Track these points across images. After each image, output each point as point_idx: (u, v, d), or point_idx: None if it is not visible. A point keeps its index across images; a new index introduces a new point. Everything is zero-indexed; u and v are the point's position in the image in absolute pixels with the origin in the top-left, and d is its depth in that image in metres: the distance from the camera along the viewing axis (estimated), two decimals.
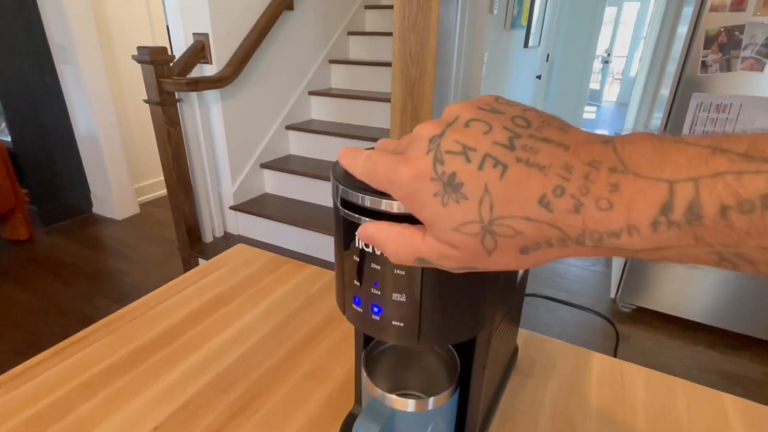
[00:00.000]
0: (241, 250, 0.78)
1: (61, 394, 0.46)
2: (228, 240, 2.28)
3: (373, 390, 0.33)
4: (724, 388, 1.62)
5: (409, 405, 0.32)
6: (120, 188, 2.77)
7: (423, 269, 0.25)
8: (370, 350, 0.36)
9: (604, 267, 2.41)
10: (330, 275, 0.70)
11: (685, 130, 1.66)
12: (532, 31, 3.36)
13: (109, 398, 0.46)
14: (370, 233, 0.23)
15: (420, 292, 0.25)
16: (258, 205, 2.31)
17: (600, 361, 0.53)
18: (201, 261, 2.13)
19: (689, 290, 1.87)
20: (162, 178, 3.11)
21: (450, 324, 0.27)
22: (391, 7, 2.87)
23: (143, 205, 3.00)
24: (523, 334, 0.57)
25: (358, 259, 0.26)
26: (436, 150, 0.20)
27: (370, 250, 0.25)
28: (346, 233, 0.26)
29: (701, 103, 1.60)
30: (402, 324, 0.27)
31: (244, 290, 0.65)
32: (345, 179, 0.26)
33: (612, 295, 2.12)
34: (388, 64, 2.56)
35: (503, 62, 2.91)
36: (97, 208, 2.90)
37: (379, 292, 0.26)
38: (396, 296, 0.26)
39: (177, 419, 0.43)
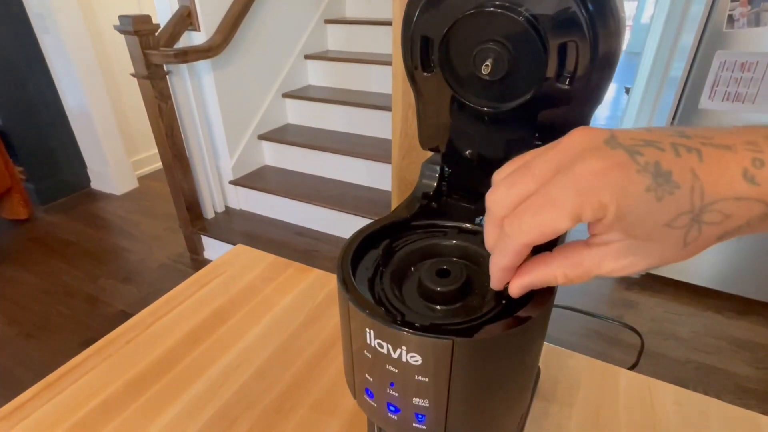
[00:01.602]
0: (240, 252, 0.74)
1: None
2: (230, 215, 2.24)
3: None
4: (733, 354, 1.63)
5: None
6: (116, 162, 2.71)
7: (451, 373, 0.20)
8: None
9: None
10: (335, 282, 0.66)
11: (706, 89, 1.56)
12: None
13: None
14: (526, 283, 0.21)
15: (447, 397, 0.21)
16: (258, 179, 2.25)
17: (626, 379, 0.50)
18: (204, 238, 2.11)
19: (698, 255, 1.84)
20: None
21: (481, 425, 0.23)
22: None
23: (142, 179, 2.94)
24: (544, 349, 0.53)
25: (370, 356, 0.22)
26: (622, 146, 0.19)
27: (384, 351, 0.21)
28: (353, 324, 0.22)
29: (725, 61, 1.49)
30: (424, 427, 0.22)
31: (245, 303, 0.62)
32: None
33: None
34: (387, 23, 2.40)
35: None
36: (96, 184, 2.85)
37: (397, 394, 0.22)
38: (417, 401, 0.22)
39: None
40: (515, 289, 0.22)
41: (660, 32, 2.70)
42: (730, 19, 1.44)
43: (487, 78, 0.24)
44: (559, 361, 0.52)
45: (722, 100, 1.54)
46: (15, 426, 0.45)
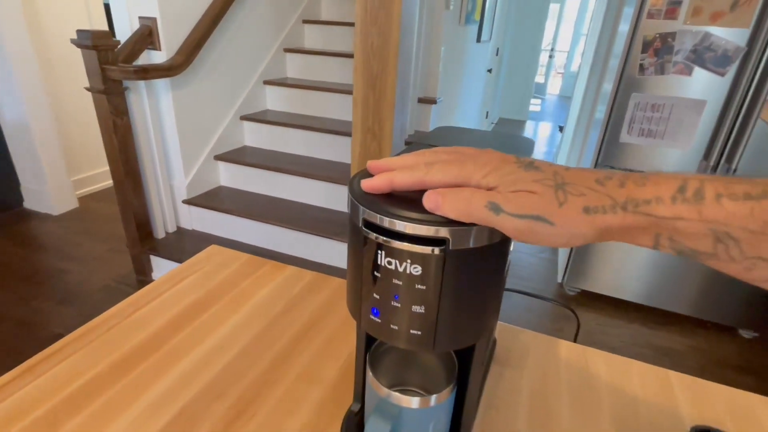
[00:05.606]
0: (214, 252, 0.77)
1: (41, 412, 0.44)
2: (181, 235, 2.19)
3: (380, 390, 0.35)
4: (655, 360, 1.80)
5: (415, 402, 0.35)
6: (55, 181, 2.57)
7: (442, 285, 0.27)
8: (371, 352, 0.38)
9: (552, 254, 2.57)
10: (310, 276, 0.71)
11: (625, 127, 1.80)
12: (484, 26, 3.45)
13: (96, 412, 0.45)
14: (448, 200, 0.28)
15: (438, 304, 0.28)
16: (213, 199, 2.23)
17: (567, 348, 0.59)
18: (153, 258, 2.04)
19: (626, 273, 2.05)
20: (103, 169, 2.91)
21: (461, 331, 0.30)
22: None
23: (83, 199, 2.80)
24: (499, 327, 0.61)
25: (379, 275, 0.28)
26: (516, 158, 0.29)
27: (392, 267, 0.27)
28: (367, 251, 0.28)
29: (639, 102, 1.74)
30: (420, 333, 0.29)
31: (223, 295, 0.65)
32: (366, 200, 0.28)
33: (559, 280, 2.28)
34: (344, 55, 2.54)
35: (458, 56, 2.97)
36: (29, 203, 2.67)
37: (399, 305, 0.28)
38: (416, 308, 0.28)
39: (173, 429, 0.43)
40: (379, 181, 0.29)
41: (586, 80, 3.06)
42: (641, 68, 1.69)
43: None
44: (511, 336, 0.60)
45: (638, 136, 1.78)
46: None
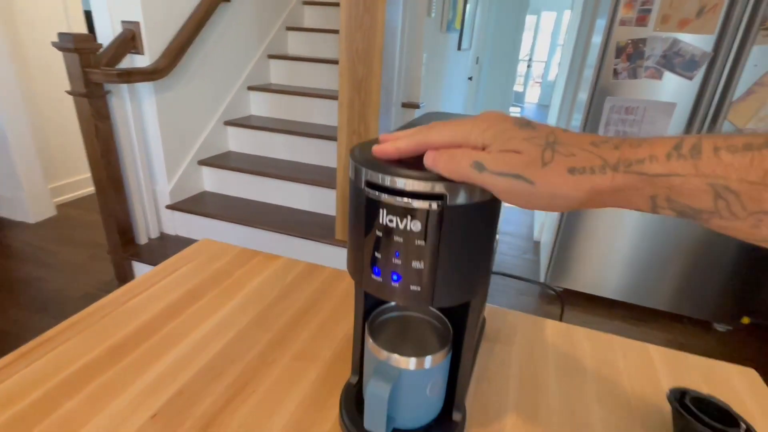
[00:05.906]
0: (206, 245, 0.77)
1: (40, 394, 0.44)
2: (164, 241, 2.16)
3: (379, 353, 0.37)
4: None
5: (413, 363, 0.36)
6: (32, 188, 2.50)
7: (439, 241, 0.29)
8: (368, 324, 0.40)
9: (534, 255, 2.63)
10: (302, 265, 0.72)
11: (600, 129, 1.87)
12: (464, 34, 3.54)
13: (94, 393, 0.45)
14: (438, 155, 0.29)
15: (436, 259, 0.30)
16: (197, 204, 2.21)
17: (552, 326, 0.61)
18: (135, 264, 2.00)
19: (606, 272, 2.11)
20: (83, 176, 2.86)
21: (457, 286, 0.32)
22: (329, 3, 2.88)
23: (61, 207, 2.73)
24: (487, 309, 0.63)
25: (381, 234, 0.30)
26: (514, 116, 0.29)
27: (394, 225, 0.29)
28: (369, 211, 0.30)
29: (613, 105, 1.81)
30: (419, 288, 0.31)
31: (217, 284, 0.65)
32: (368, 162, 0.30)
33: (542, 279, 2.32)
34: (328, 61, 2.57)
35: (440, 63, 3.03)
36: (4, 211, 2.59)
37: (400, 262, 0.30)
38: (415, 264, 0.30)
39: (173, 406, 0.44)
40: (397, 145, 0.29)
41: (563, 89, 3.16)
42: (615, 72, 1.77)
43: None
44: (500, 316, 0.62)
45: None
46: None
